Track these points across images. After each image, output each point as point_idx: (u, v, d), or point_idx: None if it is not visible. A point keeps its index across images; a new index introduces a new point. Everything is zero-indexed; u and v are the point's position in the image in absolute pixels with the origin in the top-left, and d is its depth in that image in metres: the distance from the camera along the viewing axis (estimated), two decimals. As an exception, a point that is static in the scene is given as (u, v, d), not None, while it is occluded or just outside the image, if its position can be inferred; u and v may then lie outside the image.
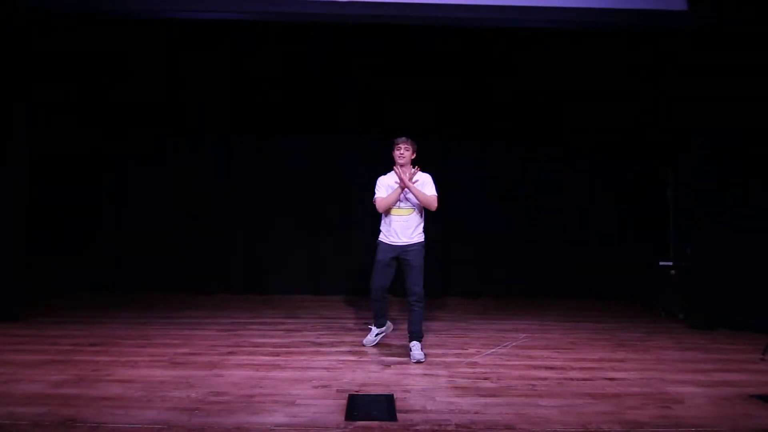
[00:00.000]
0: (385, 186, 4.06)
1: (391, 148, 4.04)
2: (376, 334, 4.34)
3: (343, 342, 4.43)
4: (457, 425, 2.57)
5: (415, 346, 3.91)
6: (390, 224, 4.02)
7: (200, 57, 7.19)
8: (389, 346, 4.28)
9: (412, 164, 4.04)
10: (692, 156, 5.44)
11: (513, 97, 7.36)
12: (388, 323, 4.47)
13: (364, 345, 4.28)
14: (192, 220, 7.36)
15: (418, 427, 2.53)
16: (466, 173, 7.35)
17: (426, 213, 4.14)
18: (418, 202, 3.96)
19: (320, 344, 4.32)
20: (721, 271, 5.18)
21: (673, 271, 6.00)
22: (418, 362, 3.78)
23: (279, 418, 2.63)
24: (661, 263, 6.26)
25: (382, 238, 4.09)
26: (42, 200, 6.90)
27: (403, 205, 3.98)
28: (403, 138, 4.01)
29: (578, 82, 7.32)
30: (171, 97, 7.28)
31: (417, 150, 4.08)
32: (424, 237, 4.05)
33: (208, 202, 7.39)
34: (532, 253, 7.39)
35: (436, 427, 2.54)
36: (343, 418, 2.63)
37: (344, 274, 7.29)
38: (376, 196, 4.08)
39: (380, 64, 7.16)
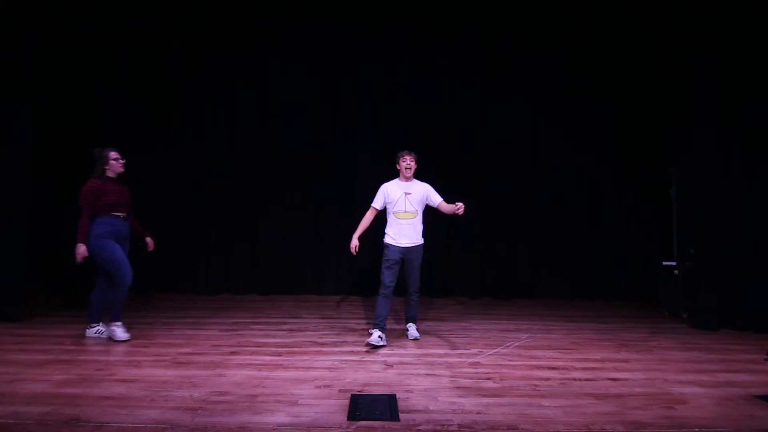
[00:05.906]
0: (384, 195, 4.42)
1: (395, 160, 4.47)
2: (380, 336, 4.16)
3: (345, 342, 4.42)
4: (459, 425, 2.56)
5: (412, 327, 4.57)
6: (397, 226, 4.35)
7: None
8: (390, 346, 4.27)
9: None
10: (695, 153, 5.39)
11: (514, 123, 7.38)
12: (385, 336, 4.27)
13: (370, 344, 4.11)
14: (192, 221, 7.38)
15: (420, 428, 2.53)
16: (466, 174, 7.37)
17: (426, 215, 4.49)
18: (420, 206, 4.39)
19: (323, 344, 4.32)
20: (724, 272, 5.16)
21: (676, 271, 5.98)
22: (415, 339, 4.42)
23: (282, 418, 2.64)
24: (664, 263, 6.24)
25: (389, 240, 4.39)
26: (40, 198, 6.91)
27: (409, 208, 4.36)
28: (407, 150, 4.45)
29: (576, 83, 7.32)
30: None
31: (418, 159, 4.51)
32: (423, 240, 4.47)
33: (211, 202, 7.40)
34: (534, 253, 7.39)
35: (438, 428, 2.54)
36: (345, 418, 2.63)
37: (347, 275, 7.30)
38: (373, 204, 4.47)
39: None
